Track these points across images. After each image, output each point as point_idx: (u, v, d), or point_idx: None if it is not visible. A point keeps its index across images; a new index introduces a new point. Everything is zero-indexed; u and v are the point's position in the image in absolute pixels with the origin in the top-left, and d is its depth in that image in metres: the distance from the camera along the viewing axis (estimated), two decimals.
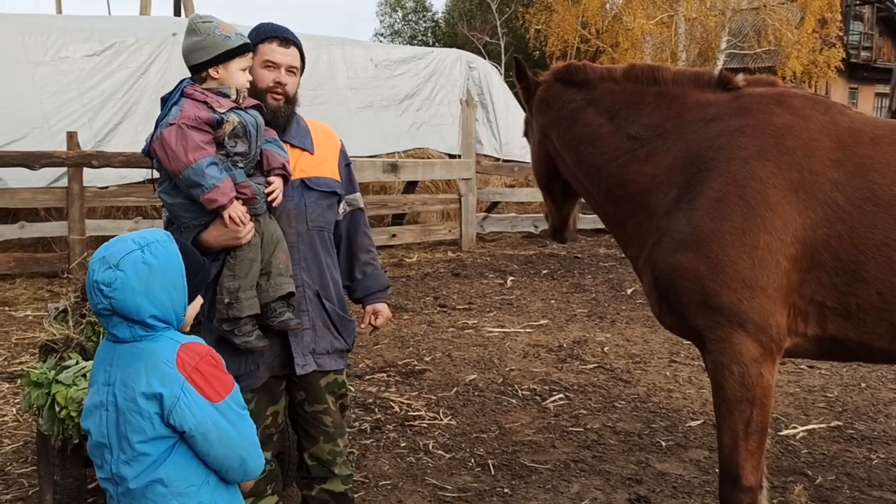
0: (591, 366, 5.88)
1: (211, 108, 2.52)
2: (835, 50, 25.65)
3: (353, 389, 5.13)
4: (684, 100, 2.93)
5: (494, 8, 32.92)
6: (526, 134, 3.54)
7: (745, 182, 2.64)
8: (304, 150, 2.85)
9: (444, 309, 7.76)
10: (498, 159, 12.97)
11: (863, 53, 35.22)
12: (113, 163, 8.84)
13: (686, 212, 2.71)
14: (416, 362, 5.96)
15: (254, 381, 2.74)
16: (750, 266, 2.59)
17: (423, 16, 42.54)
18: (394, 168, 10.79)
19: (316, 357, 2.83)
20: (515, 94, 12.55)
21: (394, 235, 10.96)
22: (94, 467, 2.06)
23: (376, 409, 4.97)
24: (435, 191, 12.49)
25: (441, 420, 4.81)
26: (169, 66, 10.25)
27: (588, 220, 10.94)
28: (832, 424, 4.72)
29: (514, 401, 5.14)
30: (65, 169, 8.82)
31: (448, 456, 4.29)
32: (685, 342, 5.62)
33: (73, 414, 3.06)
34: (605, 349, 6.32)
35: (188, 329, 2.15)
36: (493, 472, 4.09)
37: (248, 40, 2.64)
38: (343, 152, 3.02)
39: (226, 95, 2.57)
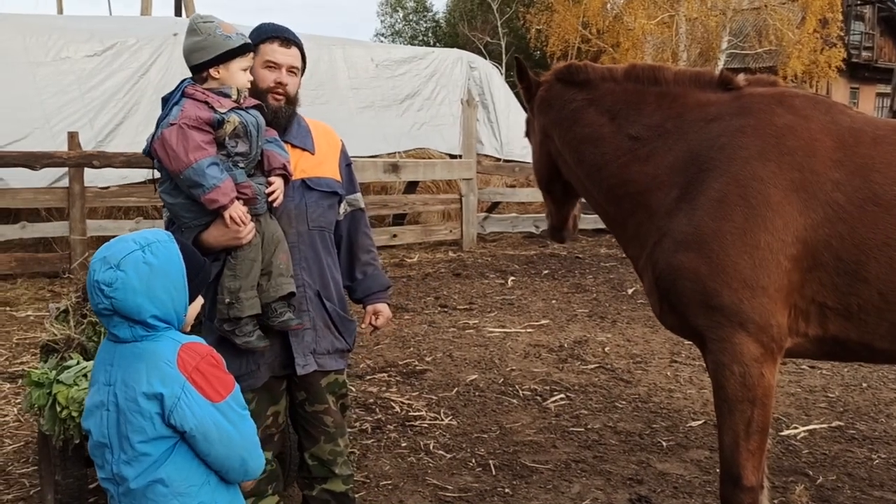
0: (592, 366, 5.88)
1: (212, 108, 2.52)
2: (836, 50, 25.63)
3: (353, 389, 5.14)
4: (685, 100, 2.93)
5: (495, 8, 32.94)
6: (527, 134, 3.54)
7: (746, 182, 2.64)
8: (304, 150, 2.85)
9: (445, 309, 7.76)
10: (499, 159, 12.98)
11: (864, 53, 35.21)
12: (114, 163, 8.85)
13: (687, 212, 2.71)
14: (416, 362, 5.96)
15: (254, 381, 2.74)
16: (751, 266, 2.58)
17: (424, 16, 42.56)
18: (395, 168, 10.79)
19: (317, 357, 2.83)
20: (516, 94, 12.54)
21: (395, 235, 10.96)
22: (95, 467, 2.06)
23: (377, 410, 4.97)
24: (436, 191, 12.50)
25: (442, 420, 4.81)
26: (170, 66, 10.26)
27: (589, 220, 10.93)
28: (833, 424, 4.72)
29: (514, 401, 5.14)
30: (66, 169, 8.83)
31: (449, 456, 4.29)
32: (686, 342, 5.61)
33: (75, 414, 3.06)
34: (606, 349, 6.32)
35: (189, 329, 2.15)
36: (493, 473, 4.09)
37: (248, 40, 2.64)
38: (344, 152, 3.02)
39: (227, 95, 2.57)
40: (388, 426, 4.71)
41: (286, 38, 2.78)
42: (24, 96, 9.53)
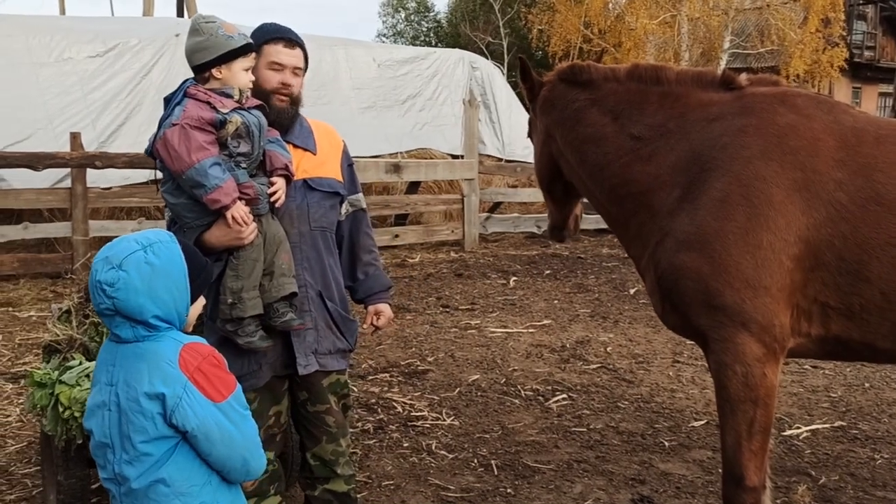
0: (594, 366, 5.88)
1: (214, 108, 2.52)
2: (838, 49, 25.63)
3: (355, 390, 5.14)
4: (687, 99, 2.92)
5: (497, 8, 32.93)
6: (530, 134, 3.54)
7: (748, 181, 2.63)
8: (306, 150, 2.85)
9: (447, 309, 7.76)
10: (501, 159, 12.98)
11: (866, 53, 35.18)
12: (116, 163, 8.86)
13: (689, 211, 2.71)
14: (418, 362, 5.96)
15: (256, 381, 2.74)
16: (753, 266, 2.58)
17: (426, 16, 42.58)
18: (396, 168, 10.80)
19: (318, 357, 2.83)
20: (518, 95, 12.56)
21: (396, 236, 10.96)
22: (97, 467, 2.06)
23: (379, 410, 4.97)
24: (438, 191, 12.50)
25: (444, 420, 4.81)
26: (172, 66, 10.28)
27: (591, 221, 10.94)
28: (836, 424, 4.71)
29: (516, 401, 5.13)
30: (68, 170, 8.84)
31: (451, 456, 4.29)
32: (688, 342, 5.61)
33: (77, 414, 3.06)
34: (609, 349, 6.31)
35: (191, 329, 2.15)
36: (496, 473, 4.08)
37: (251, 40, 2.64)
38: (346, 153, 3.02)
39: (229, 96, 2.57)
40: (391, 426, 4.71)
41: (290, 39, 2.79)
42: (26, 97, 9.55)
